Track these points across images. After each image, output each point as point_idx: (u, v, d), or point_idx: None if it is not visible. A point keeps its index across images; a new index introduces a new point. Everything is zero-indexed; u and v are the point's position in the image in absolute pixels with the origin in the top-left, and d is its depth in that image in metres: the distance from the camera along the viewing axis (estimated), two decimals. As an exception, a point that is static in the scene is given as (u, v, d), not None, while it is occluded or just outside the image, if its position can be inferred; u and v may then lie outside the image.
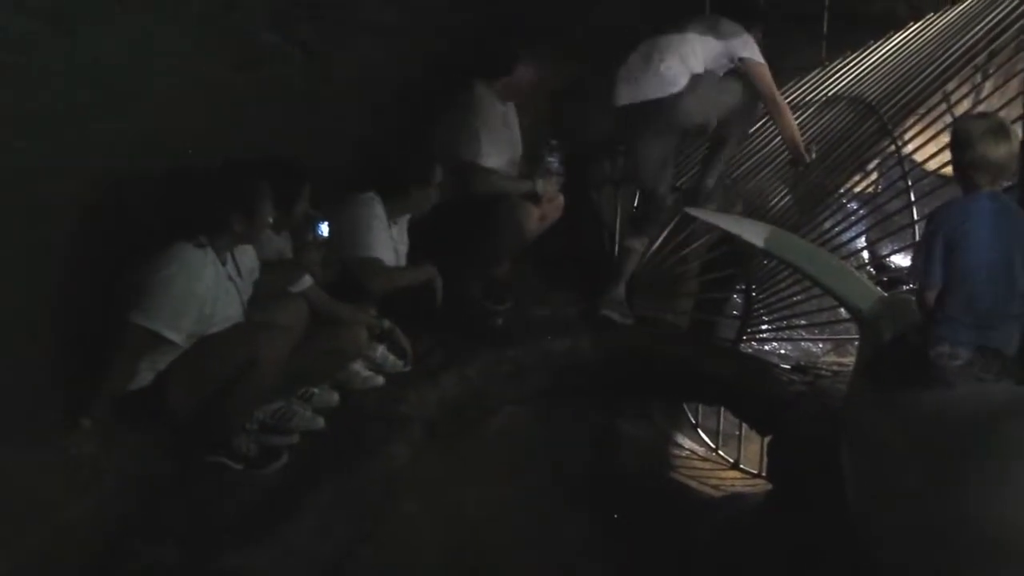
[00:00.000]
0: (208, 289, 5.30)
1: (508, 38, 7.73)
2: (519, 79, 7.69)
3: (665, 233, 8.41)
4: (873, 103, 8.75)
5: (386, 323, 6.66)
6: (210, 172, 5.48)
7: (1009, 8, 8.61)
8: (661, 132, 7.45)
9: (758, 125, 8.88)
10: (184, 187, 5.51)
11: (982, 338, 4.65)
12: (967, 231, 4.69)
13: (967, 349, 4.65)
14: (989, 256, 4.66)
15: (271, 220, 5.58)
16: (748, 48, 7.52)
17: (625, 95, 7.43)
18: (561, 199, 7.99)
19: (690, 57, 7.37)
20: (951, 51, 8.80)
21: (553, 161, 7.89)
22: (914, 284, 5.13)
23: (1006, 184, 5.98)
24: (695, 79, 7.32)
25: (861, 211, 8.84)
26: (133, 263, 5.20)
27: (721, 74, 7.51)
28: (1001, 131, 4.81)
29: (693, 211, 7.52)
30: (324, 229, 5.95)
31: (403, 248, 6.98)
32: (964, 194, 4.86)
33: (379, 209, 6.64)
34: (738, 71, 7.52)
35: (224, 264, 5.42)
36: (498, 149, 7.59)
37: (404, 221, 6.96)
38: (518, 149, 7.90)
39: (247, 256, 5.61)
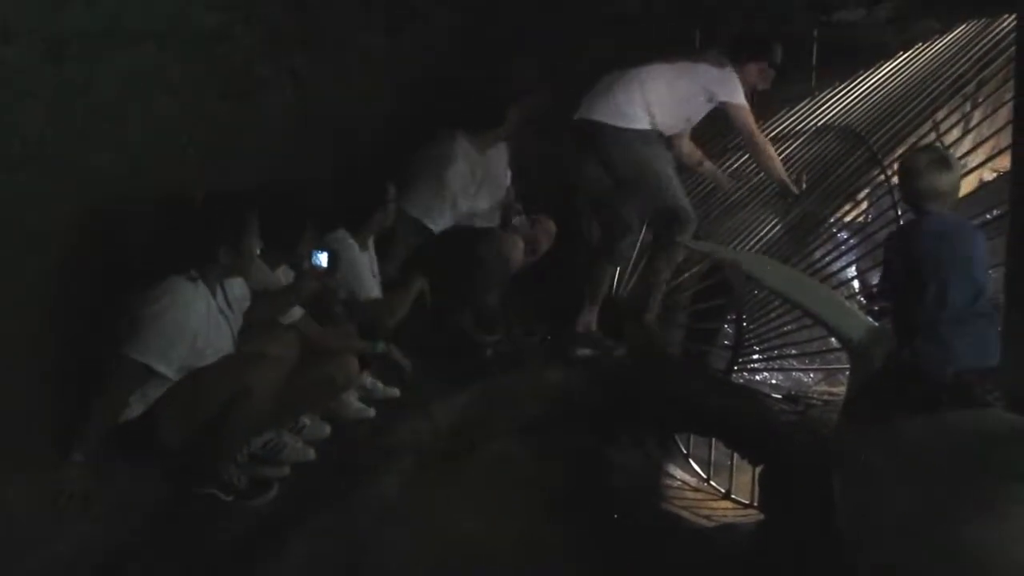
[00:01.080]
0: (200, 322, 5.29)
1: (498, 88, 7.75)
2: (508, 127, 7.73)
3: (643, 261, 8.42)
4: (863, 132, 8.78)
5: (380, 345, 6.66)
6: (197, 204, 5.49)
7: (997, 38, 8.64)
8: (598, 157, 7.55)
9: (745, 157, 8.91)
10: (172, 218, 5.51)
11: (961, 345, 4.93)
12: (921, 249, 5.12)
13: (951, 354, 4.91)
14: (945, 268, 5.02)
15: (259, 252, 5.58)
16: (728, 89, 7.48)
17: (581, 110, 7.46)
18: (552, 226, 8.00)
19: (654, 92, 7.39)
20: (940, 80, 8.84)
21: (518, 222, 7.90)
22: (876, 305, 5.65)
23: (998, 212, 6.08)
24: (643, 136, 7.38)
25: (851, 240, 8.85)
26: (126, 296, 5.19)
27: (693, 113, 7.68)
28: (944, 162, 5.31)
29: (687, 242, 7.50)
30: (323, 259, 5.94)
31: (377, 268, 7.00)
32: (919, 218, 5.28)
33: (353, 243, 6.67)
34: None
35: (215, 296, 5.41)
36: (470, 200, 7.67)
37: (371, 242, 6.97)
38: (500, 192, 7.94)
39: (236, 287, 5.61)
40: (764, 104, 9.03)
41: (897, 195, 7.78)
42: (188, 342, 5.23)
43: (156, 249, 5.46)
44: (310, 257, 5.92)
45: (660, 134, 7.47)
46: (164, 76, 5.59)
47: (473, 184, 7.62)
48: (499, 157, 7.84)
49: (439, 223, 7.44)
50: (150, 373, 5.15)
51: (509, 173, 8.03)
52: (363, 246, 6.80)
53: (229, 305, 5.54)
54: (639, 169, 7.40)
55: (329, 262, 5.96)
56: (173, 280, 5.22)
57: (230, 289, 5.56)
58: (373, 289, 6.76)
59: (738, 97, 7.42)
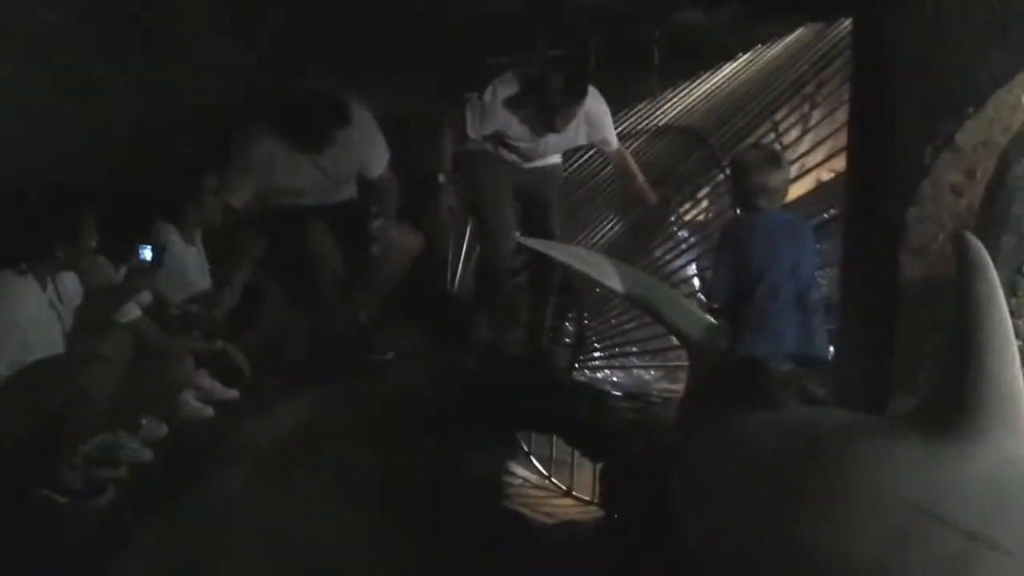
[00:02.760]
0: (30, 317, 5.19)
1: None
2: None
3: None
4: (703, 133, 8.87)
5: (218, 343, 6.59)
6: (32, 198, 5.38)
7: (835, 40, 8.79)
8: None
9: (585, 156, 8.97)
10: (5, 212, 5.40)
11: (788, 334, 5.09)
12: (752, 245, 5.19)
13: (780, 343, 5.06)
14: (776, 264, 5.13)
15: (94, 247, 5.49)
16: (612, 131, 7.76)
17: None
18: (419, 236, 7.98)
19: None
20: (779, 81, 8.96)
21: (377, 225, 7.79)
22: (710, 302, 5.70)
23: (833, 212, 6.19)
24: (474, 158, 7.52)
25: (691, 239, 8.93)
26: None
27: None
28: (775, 160, 5.41)
29: (525, 240, 7.51)
30: (147, 254, 5.85)
31: (206, 266, 6.91)
32: (746, 215, 5.42)
33: (177, 238, 6.58)
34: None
35: (45, 290, 5.31)
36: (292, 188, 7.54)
37: (198, 238, 6.88)
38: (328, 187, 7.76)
39: (69, 281, 5.50)
40: (608, 104, 9.09)
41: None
42: (17, 337, 5.12)
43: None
44: (137, 253, 5.84)
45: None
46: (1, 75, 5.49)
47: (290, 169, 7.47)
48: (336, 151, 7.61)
49: (238, 198, 7.31)
50: None
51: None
52: (189, 240, 6.70)
53: (60, 299, 5.44)
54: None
55: (154, 257, 5.87)
56: (2, 274, 5.12)
57: (61, 283, 5.46)
58: (199, 282, 6.66)
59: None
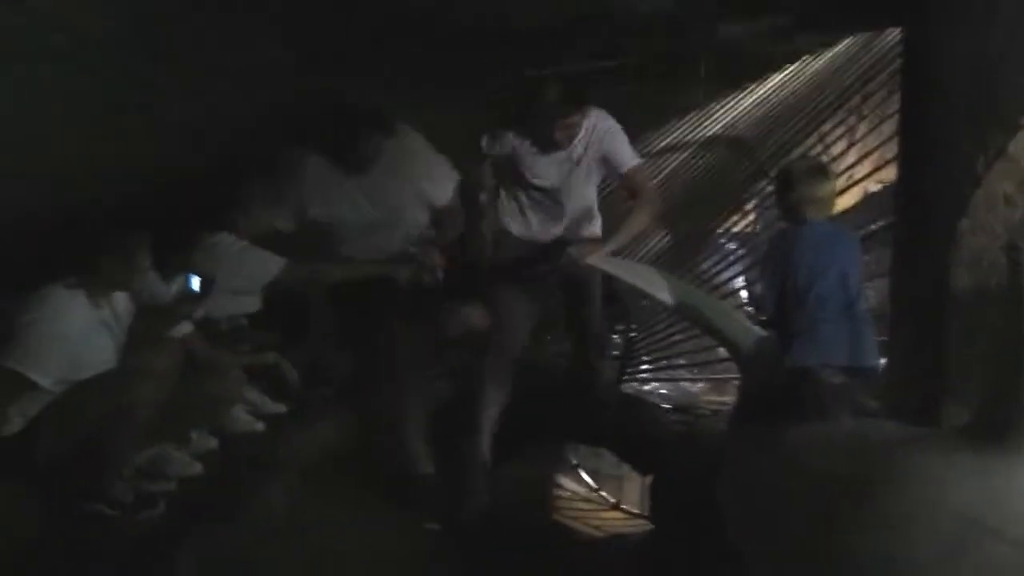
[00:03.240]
0: (78, 333, 5.20)
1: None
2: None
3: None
4: (750, 144, 8.85)
5: (271, 356, 6.60)
6: (89, 214, 5.40)
7: (883, 51, 8.75)
8: None
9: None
10: (60, 228, 5.42)
11: (838, 345, 4.94)
12: (801, 256, 5.06)
13: (829, 353, 4.93)
14: (825, 275, 5.00)
15: (148, 267, 5.51)
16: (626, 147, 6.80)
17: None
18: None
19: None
20: (827, 93, 8.93)
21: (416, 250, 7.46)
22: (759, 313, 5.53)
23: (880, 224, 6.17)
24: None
25: (739, 251, 8.92)
26: (3, 307, 5.10)
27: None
28: (822, 171, 5.31)
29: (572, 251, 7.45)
30: (195, 283, 5.86)
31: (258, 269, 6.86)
32: (795, 226, 5.21)
33: (235, 242, 6.52)
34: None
35: (98, 307, 5.32)
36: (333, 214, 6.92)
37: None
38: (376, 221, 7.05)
39: (122, 300, 5.52)
40: (655, 116, 9.07)
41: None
42: (65, 352, 5.13)
43: (40, 259, 5.37)
44: (186, 281, 5.85)
45: None
46: (49, 87, 5.50)
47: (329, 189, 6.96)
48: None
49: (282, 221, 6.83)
50: (27, 384, 5.05)
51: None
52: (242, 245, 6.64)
53: (115, 317, 5.45)
54: None
55: (202, 287, 5.88)
56: (50, 288, 5.14)
57: (116, 301, 5.47)
58: (252, 287, 6.58)
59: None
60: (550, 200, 6.67)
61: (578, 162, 6.58)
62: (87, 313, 5.27)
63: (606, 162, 6.61)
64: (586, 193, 6.73)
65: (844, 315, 4.97)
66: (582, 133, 6.50)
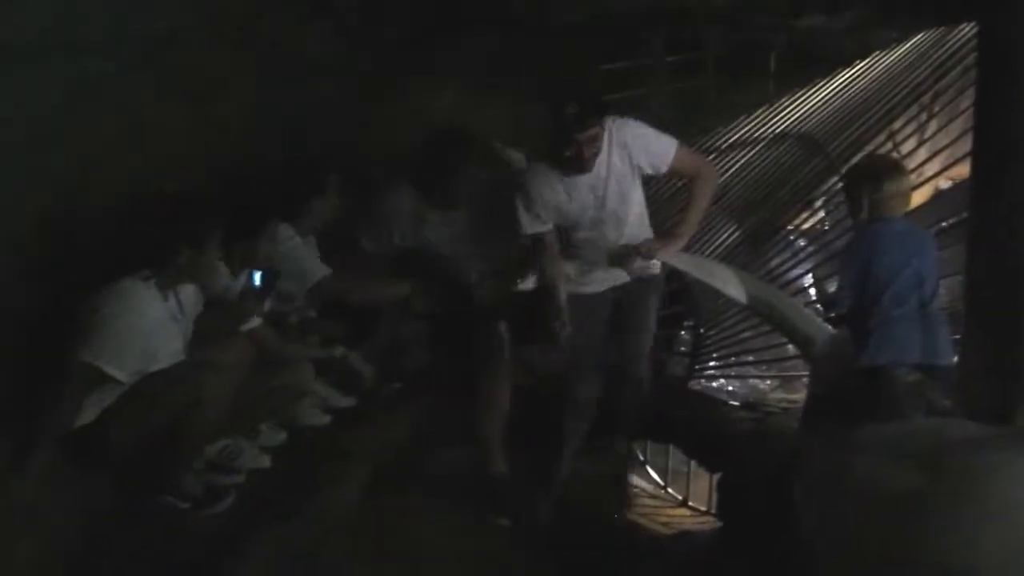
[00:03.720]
0: (152, 325, 5.22)
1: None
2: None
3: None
4: (820, 140, 8.80)
5: (340, 350, 6.60)
6: (161, 206, 5.40)
7: (954, 48, 8.69)
8: None
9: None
10: (130, 221, 5.44)
11: (914, 343, 5.00)
12: (878, 253, 5.13)
13: (905, 350, 4.98)
14: (902, 272, 5.06)
15: (218, 260, 5.53)
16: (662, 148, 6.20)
17: None
18: None
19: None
20: (897, 89, 8.88)
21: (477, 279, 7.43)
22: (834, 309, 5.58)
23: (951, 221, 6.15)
24: None
25: (809, 248, 8.87)
26: (78, 300, 5.13)
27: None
28: (899, 167, 5.44)
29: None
30: (257, 279, 5.86)
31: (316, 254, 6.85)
32: (871, 223, 5.25)
33: (294, 234, 6.51)
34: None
35: (167, 300, 5.34)
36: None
37: (313, 239, 6.81)
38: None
39: (190, 292, 5.54)
40: (722, 111, 9.03)
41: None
42: (140, 345, 5.16)
43: (112, 250, 5.39)
44: (249, 277, 5.86)
45: None
46: (113, 82, 5.53)
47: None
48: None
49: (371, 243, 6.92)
50: (103, 377, 5.08)
51: None
52: (305, 238, 6.63)
53: (182, 309, 5.48)
54: None
55: (265, 281, 5.88)
56: (126, 282, 5.16)
57: (184, 295, 5.50)
58: (317, 275, 6.56)
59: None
60: (597, 232, 6.25)
61: (607, 180, 6.07)
62: (159, 306, 5.29)
63: (644, 168, 6.12)
64: (632, 202, 6.23)
65: (919, 313, 4.97)
66: (604, 149, 5.96)
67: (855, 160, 7.91)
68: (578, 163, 5.87)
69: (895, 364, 4.89)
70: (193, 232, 5.31)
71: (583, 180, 5.98)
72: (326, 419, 6.56)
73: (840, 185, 8.20)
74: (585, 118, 5.74)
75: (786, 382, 9.93)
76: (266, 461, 5.98)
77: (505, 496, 6.32)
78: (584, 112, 5.75)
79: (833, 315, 5.77)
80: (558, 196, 6.03)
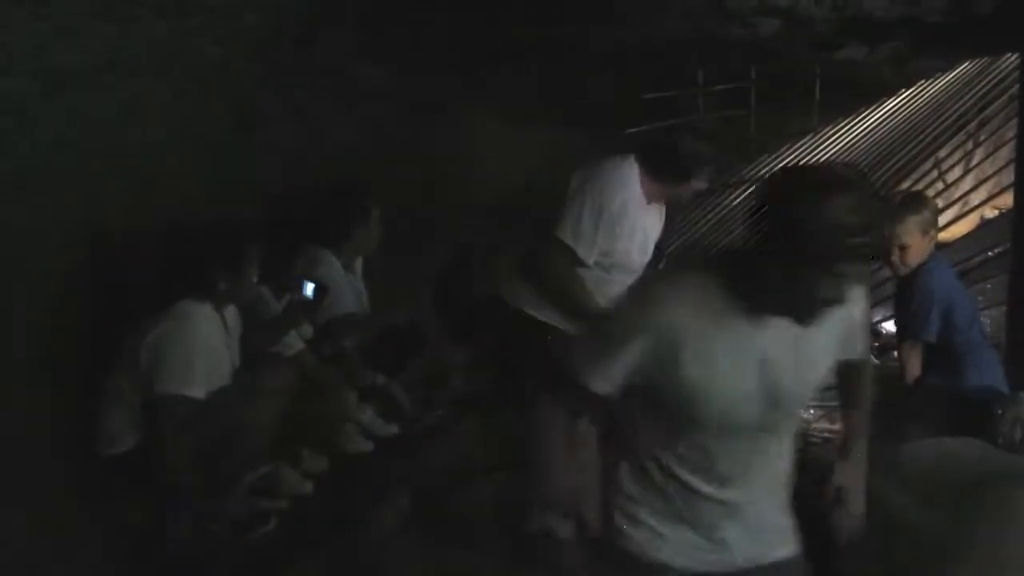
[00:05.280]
0: (215, 345, 5.30)
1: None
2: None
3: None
4: (865, 169, 8.78)
5: (380, 378, 6.62)
6: (199, 231, 5.45)
7: (1000, 76, 8.67)
8: None
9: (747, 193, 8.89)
10: (174, 246, 5.49)
11: (990, 370, 5.17)
12: (953, 287, 5.23)
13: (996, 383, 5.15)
14: (964, 299, 5.28)
15: (255, 280, 5.57)
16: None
17: None
18: None
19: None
20: (942, 118, 8.86)
21: None
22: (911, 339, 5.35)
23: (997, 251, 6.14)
24: None
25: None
26: (129, 326, 5.17)
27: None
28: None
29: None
30: (309, 290, 5.91)
31: (364, 295, 6.93)
32: (928, 260, 5.22)
33: (332, 260, 6.57)
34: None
35: (221, 320, 5.40)
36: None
37: (358, 266, 6.88)
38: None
39: (231, 315, 5.58)
40: (767, 140, 9.03)
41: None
42: (209, 364, 5.21)
43: (157, 276, 5.44)
44: (299, 288, 5.90)
45: None
46: (167, 105, 5.58)
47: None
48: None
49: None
50: (186, 401, 5.12)
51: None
52: (348, 267, 6.70)
53: (228, 331, 5.52)
54: None
55: (315, 294, 5.93)
56: (185, 304, 5.22)
57: (228, 315, 5.55)
58: (349, 306, 6.62)
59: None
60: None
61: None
62: (217, 325, 5.35)
63: None
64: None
65: (979, 339, 5.03)
66: None
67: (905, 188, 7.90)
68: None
69: (987, 390, 4.94)
70: (230, 257, 5.36)
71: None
72: (368, 446, 6.55)
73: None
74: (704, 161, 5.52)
75: (828, 412, 9.87)
76: (308, 487, 5.98)
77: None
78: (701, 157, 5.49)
79: (876, 344, 5.76)
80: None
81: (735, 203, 9.34)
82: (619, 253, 5.53)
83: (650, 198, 5.53)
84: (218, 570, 5.25)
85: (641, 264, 5.68)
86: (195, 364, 5.16)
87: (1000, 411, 4.88)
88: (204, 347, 5.22)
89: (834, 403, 8.66)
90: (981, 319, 5.19)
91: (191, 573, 5.19)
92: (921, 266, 5.14)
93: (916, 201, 5.44)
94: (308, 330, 6.24)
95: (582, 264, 5.46)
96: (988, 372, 5.12)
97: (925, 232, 5.15)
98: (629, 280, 4.80)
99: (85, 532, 4.98)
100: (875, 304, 7.68)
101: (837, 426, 8.33)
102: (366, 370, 6.56)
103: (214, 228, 5.46)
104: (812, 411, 10.27)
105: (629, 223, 5.48)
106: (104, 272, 5.47)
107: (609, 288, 5.34)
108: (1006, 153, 8.04)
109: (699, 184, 5.55)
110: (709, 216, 8.78)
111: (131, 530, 5.24)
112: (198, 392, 5.17)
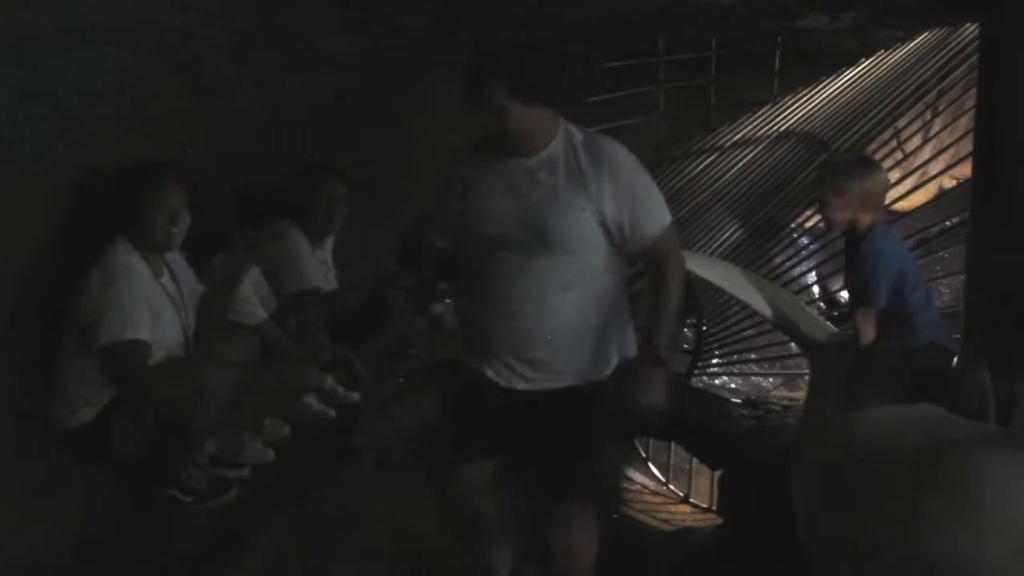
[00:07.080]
0: (147, 289, 5.23)
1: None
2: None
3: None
4: (824, 139, 8.82)
5: (339, 350, 6.62)
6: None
7: (959, 46, 8.70)
8: None
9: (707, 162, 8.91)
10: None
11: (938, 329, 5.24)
12: (901, 250, 5.31)
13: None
14: (914, 265, 5.33)
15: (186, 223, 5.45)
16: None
17: None
18: None
19: None
20: (902, 88, 8.89)
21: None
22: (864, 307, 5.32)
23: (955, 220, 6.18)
24: None
25: (812, 246, 8.88)
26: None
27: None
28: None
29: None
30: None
31: (331, 273, 6.96)
32: (874, 226, 5.19)
33: (296, 233, 6.57)
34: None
35: (157, 277, 5.33)
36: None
37: (329, 243, 6.88)
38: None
39: (189, 280, 5.56)
40: (727, 109, 9.04)
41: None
42: (143, 307, 5.15)
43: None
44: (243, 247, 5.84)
45: None
46: (129, 75, 5.53)
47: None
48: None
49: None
50: (132, 346, 5.10)
51: None
52: (315, 242, 6.68)
53: (180, 292, 5.47)
54: None
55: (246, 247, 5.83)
56: (112, 250, 5.17)
57: (182, 279, 5.51)
58: (315, 281, 6.60)
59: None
60: None
61: None
62: (145, 274, 5.28)
63: None
64: None
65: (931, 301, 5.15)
66: None
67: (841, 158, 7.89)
68: None
69: (941, 348, 5.03)
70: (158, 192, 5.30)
71: None
72: (331, 413, 6.56)
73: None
74: None
75: (788, 380, 9.94)
76: (270, 455, 5.99)
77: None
78: None
79: (836, 314, 5.80)
80: None
81: (695, 172, 9.36)
82: None
83: None
84: (180, 538, 5.26)
85: None
86: (129, 309, 5.10)
87: (960, 377, 4.94)
88: (143, 298, 5.16)
89: (793, 371, 8.79)
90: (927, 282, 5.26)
91: (152, 542, 5.20)
92: (868, 230, 5.16)
93: (862, 163, 5.48)
94: (271, 302, 6.23)
95: None
96: (938, 331, 5.19)
97: (868, 195, 5.18)
98: None
99: (48, 504, 4.98)
100: (836, 272, 7.76)
101: (797, 393, 8.44)
102: (329, 342, 6.55)
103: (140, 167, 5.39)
104: (772, 379, 10.39)
105: None
106: (67, 242, 5.43)
107: None
108: (965, 123, 8.09)
109: None
110: (669, 185, 8.79)
111: (95, 502, 5.26)
112: (144, 335, 5.15)
